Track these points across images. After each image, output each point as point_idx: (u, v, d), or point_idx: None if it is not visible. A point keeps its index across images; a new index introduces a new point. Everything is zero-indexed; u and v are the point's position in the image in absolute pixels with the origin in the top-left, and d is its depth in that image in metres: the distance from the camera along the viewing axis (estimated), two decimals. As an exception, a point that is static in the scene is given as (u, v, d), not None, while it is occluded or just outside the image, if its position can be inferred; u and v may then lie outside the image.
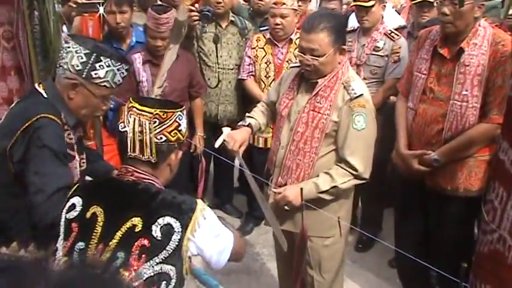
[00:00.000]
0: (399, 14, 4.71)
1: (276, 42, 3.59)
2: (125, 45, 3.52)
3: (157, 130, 1.51)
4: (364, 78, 3.45)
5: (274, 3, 3.48)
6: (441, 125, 2.52)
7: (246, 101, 3.84)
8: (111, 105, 3.43)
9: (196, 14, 3.42)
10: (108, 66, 1.81)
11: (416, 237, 2.78)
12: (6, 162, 1.80)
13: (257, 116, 2.63)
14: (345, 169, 2.28)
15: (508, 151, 1.65)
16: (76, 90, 1.84)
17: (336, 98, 2.28)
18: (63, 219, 1.53)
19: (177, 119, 1.55)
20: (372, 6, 3.39)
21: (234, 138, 2.38)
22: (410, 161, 2.61)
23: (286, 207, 2.31)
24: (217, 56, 3.70)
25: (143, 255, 1.41)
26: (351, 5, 3.78)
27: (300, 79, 2.43)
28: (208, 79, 3.74)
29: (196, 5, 3.63)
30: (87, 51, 1.79)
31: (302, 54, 2.29)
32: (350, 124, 2.25)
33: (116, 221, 1.46)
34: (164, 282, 1.42)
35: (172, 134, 1.54)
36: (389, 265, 3.50)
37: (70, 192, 1.58)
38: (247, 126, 2.54)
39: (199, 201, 1.53)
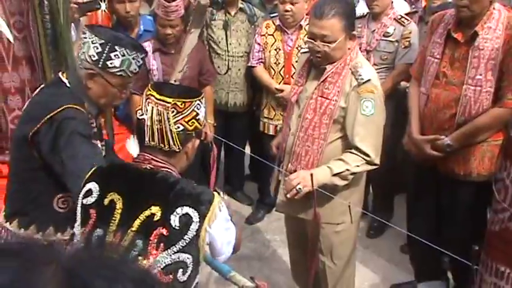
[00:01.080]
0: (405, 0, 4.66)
1: (285, 28, 3.57)
2: (133, 34, 3.51)
3: (175, 119, 1.51)
4: (375, 64, 3.42)
5: (284, -11, 3.46)
6: (454, 110, 2.50)
7: (255, 88, 3.84)
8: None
9: (206, 0, 3.40)
10: (123, 55, 1.83)
11: (429, 222, 2.78)
12: (29, 148, 1.84)
13: None
14: (356, 154, 2.27)
15: (520, 130, 1.63)
16: (94, 80, 1.87)
17: (344, 84, 2.27)
18: (79, 205, 1.53)
19: (195, 108, 1.54)
20: None
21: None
22: (423, 146, 2.60)
23: (297, 189, 2.25)
24: (226, 44, 3.70)
25: (161, 244, 1.42)
26: None
27: (309, 65, 2.42)
28: (218, 67, 3.75)
29: None
30: (102, 41, 1.81)
31: (312, 41, 2.27)
32: (358, 110, 2.23)
33: (135, 209, 1.46)
34: (181, 270, 1.44)
35: (190, 123, 1.53)
36: (401, 250, 3.51)
37: (86, 177, 1.57)
38: None
39: (215, 193, 1.54)
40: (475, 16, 2.43)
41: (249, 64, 3.70)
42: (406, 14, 3.60)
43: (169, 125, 1.50)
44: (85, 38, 1.85)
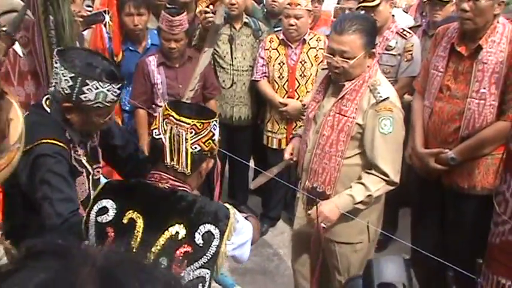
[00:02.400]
0: (407, 12, 4.68)
1: (289, 43, 3.59)
2: (140, 48, 3.56)
3: (193, 140, 1.51)
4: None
5: (289, 4, 3.48)
6: (458, 123, 2.50)
7: (260, 102, 3.86)
8: (127, 108, 3.51)
9: (211, 15, 3.44)
10: (97, 88, 1.72)
11: (433, 235, 2.76)
12: (10, 185, 1.74)
13: None
14: (376, 175, 2.24)
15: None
16: (71, 113, 1.78)
17: (362, 101, 2.24)
18: (93, 222, 1.51)
19: (212, 129, 1.55)
20: (378, 5, 3.37)
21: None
22: (427, 160, 2.59)
23: (323, 225, 2.27)
24: (231, 58, 3.72)
25: (185, 261, 1.45)
26: (357, 6, 3.77)
27: (328, 82, 2.40)
28: (223, 81, 3.76)
29: (211, 7, 3.65)
30: (72, 74, 1.70)
31: (331, 56, 2.24)
32: (377, 128, 2.21)
33: (157, 228, 1.47)
34: (200, 284, 1.48)
35: (206, 143, 1.54)
36: (405, 265, 3.47)
37: (96, 193, 1.56)
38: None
39: (229, 206, 1.58)
40: (479, 29, 2.44)
41: (253, 78, 3.72)
42: (410, 28, 3.60)
43: (186, 146, 1.51)
44: (56, 68, 1.74)
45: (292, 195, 3.56)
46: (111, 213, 1.50)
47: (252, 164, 4.16)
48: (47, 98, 1.87)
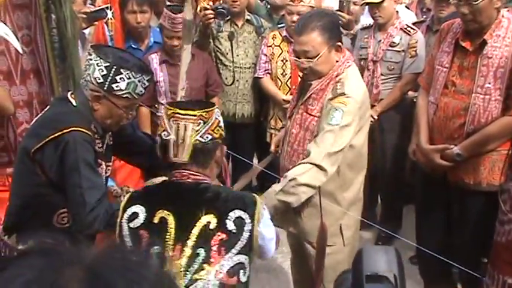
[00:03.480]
0: (409, 8, 4.66)
1: (292, 39, 3.57)
2: (143, 45, 3.55)
3: (203, 130, 1.56)
4: (382, 74, 3.42)
5: (291, 1, 3.46)
6: (463, 119, 2.48)
7: (263, 99, 3.84)
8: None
9: (211, 12, 3.42)
10: (129, 78, 1.82)
11: (438, 232, 2.74)
12: (31, 163, 1.85)
13: None
14: (302, 163, 2.11)
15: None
16: (99, 102, 1.86)
17: (325, 98, 2.21)
18: (126, 229, 1.56)
19: (217, 116, 1.61)
20: (382, 1, 3.36)
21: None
22: (433, 156, 2.57)
23: None
24: (233, 55, 3.71)
25: (222, 249, 1.50)
26: (361, 3, 3.75)
27: (303, 81, 2.40)
28: (225, 78, 3.75)
29: (211, 3, 3.64)
30: (107, 64, 1.80)
31: (297, 59, 2.24)
32: (325, 118, 2.14)
33: (188, 221, 1.52)
34: (241, 271, 1.52)
35: (215, 131, 1.59)
36: (410, 262, 3.46)
37: (123, 203, 1.62)
38: None
39: (255, 195, 1.63)
40: (484, 27, 2.42)
41: (256, 75, 3.71)
42: (414, 24, 3.59)
43: (198, 137, 1.56)
44: (90, 59, 1.84)
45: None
46: (142, 216, 1.55)
47: (255, 161, 4.15)
48: (72, 92, 1.96)
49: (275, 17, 4.02)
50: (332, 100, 2.15)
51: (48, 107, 2.04)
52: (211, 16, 3.43)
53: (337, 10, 3.99)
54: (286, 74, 3.60)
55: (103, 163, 1.99)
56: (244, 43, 3.75)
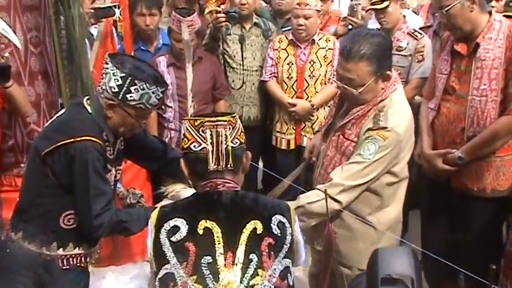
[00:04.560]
0: (417, 14, 4.65)
1: (298, 43, 3.58)
2: (152, 48, 3.57)
3: (233, 135, 1.56)
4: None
5: (298, 4, 3.48)
6: (464, 123, 2.49)
7: (269, 102, 3.84)
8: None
9: (222, 15, 3.43)
10: (143, 89, 1.85)
11: (443, 239, 2.73)
12: (42, 164, 1.89)
13: None
14: (318, 189, 2.06)
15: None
16: (113, 110, 1.90)
17: (365, 125, 2.09)
18: (167, 245, 1.50)
19: (239, 122, 1.62)
20: (387, 6, 3.37)
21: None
22: (435, 161, 2.58)
23: None
24: (242, 58, 3.71)
25: (272, 253, 1.49)
26: (367, 9, 3.75)
27: (341, 98, 2.29)
28: (233, 81, 3.75)
29: (222, 6, 3.65)
30: (123, 74, 1.83)
31: (339, 82, 2.12)
32: (360, 147, 2.04)
33: (234, 229, 1.50)
34: (289, 274, 1.51)
35: (241, 136, 1.59)
36: (415, 267, 3.45)
37: (155, 220, 1.55)
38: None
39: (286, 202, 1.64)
40: (470, 32, 2.47)
41: (262, 78, 3.71)
42: (421, 28, 3.58)
43: (229, 143, 1.55)
44: (107, 68, 1.87)
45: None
46: (184, 229, 1.50)
47: (260, 165, 4.15)
48: (88, 98, 2.00)
49: (279, 21, 4.03)
50: (372, 130, 2.03)
51: (62, 110, 2.10)
52: (223, 19, 3.45)
53: (348, 15, 4.01)
54: (292, 78, 3.60)
55: (113, 168, 2.03)
56: (252, 46, 3.76)
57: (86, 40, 2.77)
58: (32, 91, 2.65)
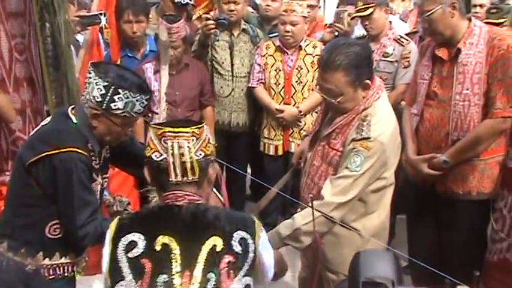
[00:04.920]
0: (404, 21, 4.69)
1: (285, 49, 3.59)
2: (139, 54, 3.56)
3: (196, 147, 1.51)
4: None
5: (284, 11, 3.50)
6: (447, 128, 2.52)
7: (257, 108, 3.85)
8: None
9: (212, 22, 3.44)
10: (127, 97, 1.83)
11: (430, 243, 2.75)
12: (26, 175, 1.88)
13: None
14: (310, 207, 2.03)
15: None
16: (98, 120, 1.89)
17: (350, 134, 2.09)
18: (124, 260, 1.45)
19: (207, 132, 1.56)
20: (372, 13, 3.40)
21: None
22: (421, 166, 2.60)
23: None
24: (232, 65, 3.71)
25: (231, 272, 1.44)
26: (352, 17, 3.77)
27: (326, 108, 2.30)
28: (221, 87, 3.75)
29: (212, 13, 3.65)
30: (106, 83, 1.82)
31: (320, 91, 2.14)
32: (346, 161, 2.05)
33: (193, 246, 1.45)
34: None
35: (207, 147, 1.53)
36: (403, 272, 3.46)
37: (113, 232, 1.50)
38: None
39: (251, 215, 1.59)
40: (450, 37, 2.50)
41: (249, 85, 3.72)
42: (407, 34, 3.61)
43: (191, 155, 1.50)
44: (90, 78, 1.86)
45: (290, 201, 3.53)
46: (141, 244, 1.45)
47: (249, 170, 4.15)
48: (73, 108, 1.98)
49: (266, 27, 4.04)
50: (356, 141, 2.04)
51: (47, 118, 2.07)
52: (213, 26, 3.45)
53: (333, 23, 4.03)
54: (279, 84, 3.61)
55: (99, 177, 2.01)
56: (240, 52, 3.76)
57: (72, 47, 2.76)
58: (17, 98, 2.63)
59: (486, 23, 2.86)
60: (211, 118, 3.66)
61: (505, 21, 3.17)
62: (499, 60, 2.40)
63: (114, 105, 1.83)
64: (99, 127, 1.91)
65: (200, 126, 1.54)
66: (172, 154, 1.49)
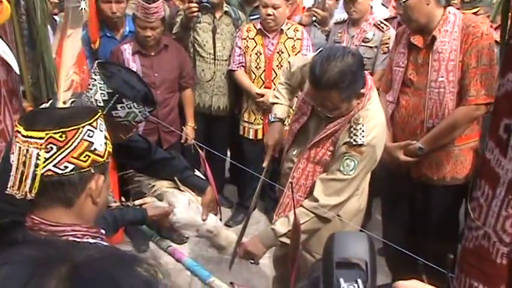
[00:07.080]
0: (386, 6, 4.69)
1: (266, 33, 3.57)
2: (118, 35, 3.51)
3: (59, 158, 1.14)
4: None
5: (266, -7, 3.46)
6: (423, 115, 2.55)
7: (238, 92, 3.84)
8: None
9: (195, 5, 3.40)
10: (130, 108, 1.80)
11: (404, 227, 2.80)
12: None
13: (284, 101, 2.51)
14: (306, 208, 2.11)
15: (494, 150, 1.68)
16: None
17: (340, 136, 2.11)
18: None
19: (86, 137, 1.17)
20: None
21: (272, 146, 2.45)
22: (396, 153, 2.63)
23: (251, 263, 2.24)
24: (215, 47, 3.68)
25: None
26: None
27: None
28: (203, 70, 3.73)
29: None
30: (111, 91, 1.77)
31: (312, 102, 2.14)
32: (338, 164, 2.07)
33: None
34: None
35: (82, 157, 1.17)
36: (378, 254, 3.53)
37: None
38: (279, 121, 2.49)
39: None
40: (424, 25, 2.51)
41: (230, 68, 3.69)
42: (386, 20, 3.63)
43: (35, 169, 1.14)
44: (94, 80, 1.81)
45: (269, 185, 3.55)
46: None
47: (228, 154, 4.16)
48: (73, 101, 1.95)
49: (247, 8, 4.01)
50: (348, 147, 2.05)
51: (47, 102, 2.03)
52: (196, 10, 3.41)
53: (311, 6, 4.01)
54: (260, 68, 3.60)
55: None
56: (222, 35, 3.72)
57: (49, 27, 2.71)
58: (-8, 77, 2.58)
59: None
60: (191, 100, 3.64)
61: (478, 10, 3.19)
62: (474, 48, 2.42)
63: (116, 113, 1.79)
64: None
65: (67, 130, 1.15)
66: (18, 161, 1.15)
